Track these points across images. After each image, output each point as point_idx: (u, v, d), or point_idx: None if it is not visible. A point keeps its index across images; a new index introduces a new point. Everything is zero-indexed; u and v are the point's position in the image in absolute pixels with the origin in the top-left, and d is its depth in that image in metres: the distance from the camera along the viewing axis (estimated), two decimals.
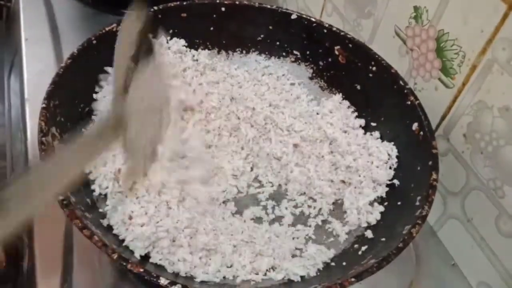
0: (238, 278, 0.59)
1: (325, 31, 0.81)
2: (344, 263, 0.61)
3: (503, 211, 0.66)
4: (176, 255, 0.58)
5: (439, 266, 0.75)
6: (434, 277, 0.73)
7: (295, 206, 0.71)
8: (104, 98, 0.72)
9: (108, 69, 0.73)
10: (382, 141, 0.74)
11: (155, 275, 0.49)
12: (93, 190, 0.63)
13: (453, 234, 0.75)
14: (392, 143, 0.73)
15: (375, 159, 0.72)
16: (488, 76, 0.65)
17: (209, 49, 0.85)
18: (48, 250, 0.67)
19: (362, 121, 0.78)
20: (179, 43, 0.82)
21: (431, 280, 0.73)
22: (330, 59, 0.83)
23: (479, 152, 0.68)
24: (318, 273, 0.61)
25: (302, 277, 0.59)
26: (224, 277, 0.59)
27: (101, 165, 0.65)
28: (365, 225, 0.67)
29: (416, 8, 0.75)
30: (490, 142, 0.66)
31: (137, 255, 0.57)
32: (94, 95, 0.72)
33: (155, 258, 0.57)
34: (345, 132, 0.77)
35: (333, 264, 0.62)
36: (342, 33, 0.80)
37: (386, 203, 0.68)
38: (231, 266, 0.60)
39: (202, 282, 0.57)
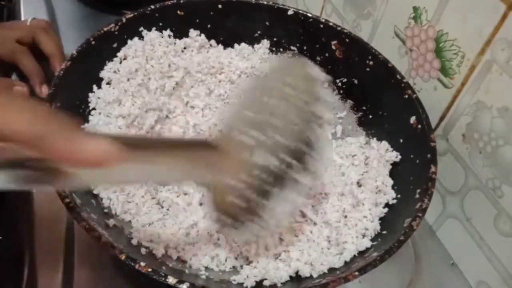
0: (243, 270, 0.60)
1: (322, 26, 0.81)
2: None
3: (502, 210, 0.66)
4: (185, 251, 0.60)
5: (438, 265, 0.75)
6: (433, 277, 0.73)
7: None
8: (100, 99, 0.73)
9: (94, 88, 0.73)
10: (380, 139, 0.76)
11: (163, 275, 0.49)
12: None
13: (452, 234, 0.75)
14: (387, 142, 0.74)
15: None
16: (487, 77, 0.65)
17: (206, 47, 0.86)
18: (49, 250, 0.67)
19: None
20: (179, 42, 0.82)
21: (430, 280, 0.73)
22: (327, 54, 0.83)
23: (478, 152, 0.68)
24: None
25: None
26: (233, 267, 0.60)
27: None
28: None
29: (415, 9, 0.75)
30: (489, 142, 0.66)
31: (143, 251, 0.57)
32: (91, 95, 0.73)
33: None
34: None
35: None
36: (338, 28, 0.80)
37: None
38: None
39: (208, 279, 0.57)
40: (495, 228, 0.67)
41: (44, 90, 0.84)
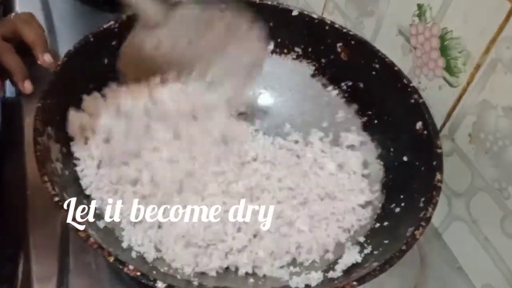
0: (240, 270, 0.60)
1: (327, 27, 0.80)
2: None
3: (508, 212, 0.65)
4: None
5: (444, 268, 0.74)
6: (439, 280, 0.73)
7: None
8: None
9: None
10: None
11: (152, 279, 0.49)
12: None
13: (458, 236, 0.75)
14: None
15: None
16: (492, 75, 0.64)
17: None
18: (44, 252, 0.66)
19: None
20: None
21: (436, 283, 0.73)
22: (332, 56, 0.81)
23: (484, 152, 0.67)
24: None
25: None
26: (227, 268, 0.61)
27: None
28: (367, 227, 0.67)
29: (419, 6, 0.75)
30: (495, 142, 0.65)
31: (134, 255, 0.57)
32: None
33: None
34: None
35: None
36: (344, 30, 0.79)
37: (389, 205, 0.68)
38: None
39: (200, 285, 0.57)
40: (502, 230, 0.67)
41: (27, 86, 0.83)
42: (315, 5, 1.05)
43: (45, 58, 0.85)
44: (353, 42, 0.78)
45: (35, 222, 0.69)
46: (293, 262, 0.63)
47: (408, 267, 0.72)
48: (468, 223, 0.72)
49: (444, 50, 0.71)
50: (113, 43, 0.75)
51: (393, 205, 0.67)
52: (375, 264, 0.55)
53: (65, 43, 0.93)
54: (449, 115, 0.73)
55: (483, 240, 0.70)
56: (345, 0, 0.94)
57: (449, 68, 0.71)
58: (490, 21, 0.63)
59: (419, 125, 0.68)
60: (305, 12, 0.81)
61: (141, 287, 0.63)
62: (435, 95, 0.74)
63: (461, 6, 0.68)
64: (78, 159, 0.66)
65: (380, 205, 0.69)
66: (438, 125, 0.70)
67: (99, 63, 0.74)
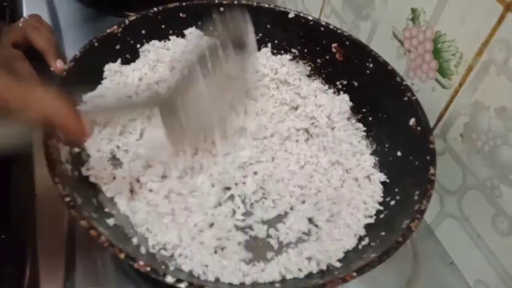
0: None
1: (322, 29, 0.82)
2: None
3: (499, 210, 0.66)
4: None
5: (437, 264, 0.75)
6: (431, 276, 0.74)
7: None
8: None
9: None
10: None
11: (161, 274, 0.50)
12: (99, 192, 0.65)
13: (450, 233, 0.76)
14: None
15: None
16: (484, 77, 0.65)
17: None
18: (50, 248, 0.67)
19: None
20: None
21: (428, 279, 0.73)
22: (327, 57, 0.83)
23: (476, 151, 0.68)
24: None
25: None
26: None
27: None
28: (364, 220, 0.68)
29: (413, 10, 0.76)
30: (486, 142, 0.66)
31: (143, 251, 0.58)
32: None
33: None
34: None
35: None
36: (339, 31, 0.81)
37: (384, 198, 0.69)
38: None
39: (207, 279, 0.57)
40: (493, 228, 0.68)
41: None
42: (313, 9, 1.06)
43: (58, 65, 0.85)
44: (347, 43, 0.80)
45: (42, 220, 0.69)
46: None
47: (401, 263, 0.73)
48: (460, 221, 0.73)
49: (437, 52, 0.73)
50: (117, 47, 0.77)
51: (389, 198, 0.68)
52: (373, 255, 0.56)
53: (71, 45, 0.95)
54: (441, 116, 0.74)
55: (475, 237, 0.71)
56: (341, 4, 0.95)
57: (442, 70, 0.72)
58: (483, 24, 0.64)
59: (412, 121, 0.69)
60: (301, 14, 0.83)
61: (146, 282, 0.65)
62: (428, 96, 0.75)
63: (454, 9, 0.69)
64: (89, 156, 0.67)
65: None
66: (431, 126, 0.71)
67: (103, 67, 0.76)
